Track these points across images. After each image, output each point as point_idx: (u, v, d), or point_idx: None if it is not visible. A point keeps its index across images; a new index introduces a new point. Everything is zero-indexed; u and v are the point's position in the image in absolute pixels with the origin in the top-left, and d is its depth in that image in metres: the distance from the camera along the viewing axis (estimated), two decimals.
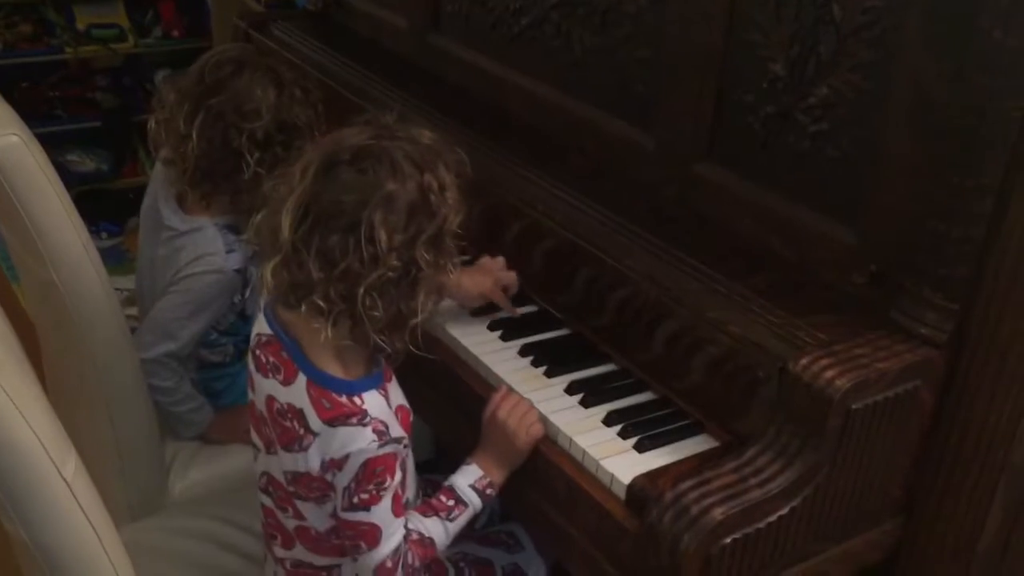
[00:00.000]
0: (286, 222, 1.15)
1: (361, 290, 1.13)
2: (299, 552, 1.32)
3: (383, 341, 1.18)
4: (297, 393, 1.19)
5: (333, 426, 1.17)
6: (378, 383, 1.23)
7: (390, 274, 1.14)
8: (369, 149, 1.17)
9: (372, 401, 1.19)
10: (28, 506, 1.00)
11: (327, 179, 1.15)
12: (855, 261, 1.29)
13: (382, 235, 1.13)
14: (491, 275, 1.49)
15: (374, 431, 1.17)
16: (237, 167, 1.61)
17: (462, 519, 1.30)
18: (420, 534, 1.27)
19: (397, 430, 1.21)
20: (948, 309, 1.19)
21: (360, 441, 1.17)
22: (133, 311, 1.86)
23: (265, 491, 1.33)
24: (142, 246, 1.79)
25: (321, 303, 1.14)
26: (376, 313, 1.14)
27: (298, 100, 1.66)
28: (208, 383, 1.82)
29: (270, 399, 1.23)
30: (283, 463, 1.24)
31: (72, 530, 1.03)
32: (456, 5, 1.96)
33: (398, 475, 1.21)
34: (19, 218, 1.43)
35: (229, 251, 1.66)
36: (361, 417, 1.17)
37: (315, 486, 1.22)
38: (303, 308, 1.15)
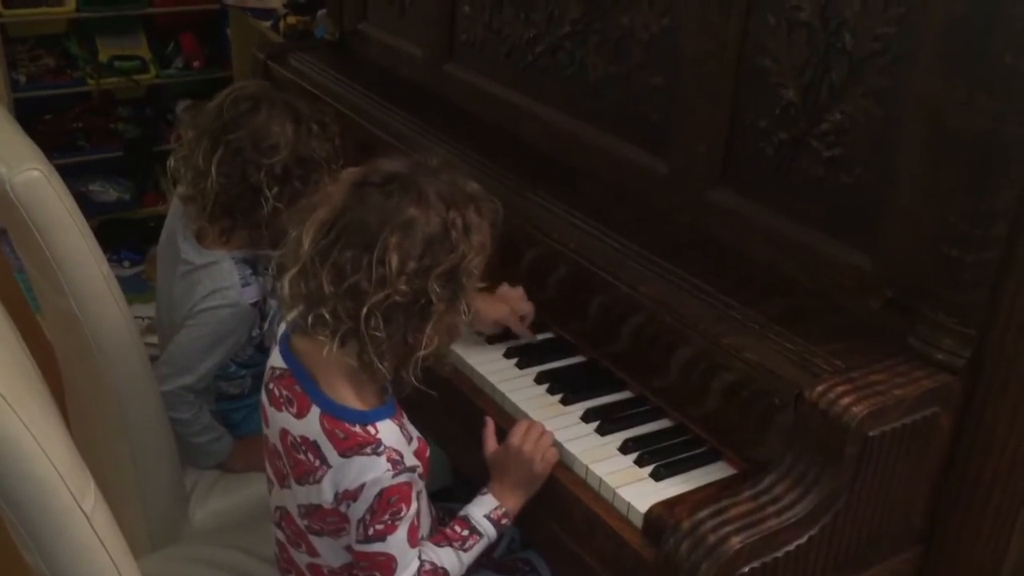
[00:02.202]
0: (308, 235, 1.17)
1: (365, 309, 1.13)
2: None
3: (386, 368, 1.18)
4: (310, 426, 1.20)
5: (347, 456, 1.17)
6: (392, 413, 1.23)
7: (397, 299, 1.14)
8: (400, 176, 1.19)
9: (386, 430, 1.19)
10: (47, 539, 1.00)
11: (354, 197, 1.18)
12: (870, 287, 1.28)
13: (394, 258, 1.13)
14: (507, 303, 1.50)
15: (388, 460, 1.17)
16: (256, 202, 1.62)
17: (476, 549, 1.30)
18: (433, 564, 1.26)
19: (411, 459, 1.21)
20: (965, 334, 1.18)
21: (375, 470, 1.17)
22: (153, 339, 1.88)
23: (278, 526, 1.33)
24: (160, 281, 1.80)
25: (327, 316, 1.15)
26: (379, 334, 1.14)
27: (315, 135, 1.67)
28: (226, 414, 1.82)
29: (284, 432, 1.23)
30: (297, 497, 1.24)
31: (91, 563, 1.03)
32: (471, 34, 1.98)
33: (414, 505, 1.21)
34: (40, 251, 1.45)
35: (245, 284, 1.66)
36: (375, 446, 1.17)
37: (329, 519, 1.22)
38: (310, 320, 1.16)
